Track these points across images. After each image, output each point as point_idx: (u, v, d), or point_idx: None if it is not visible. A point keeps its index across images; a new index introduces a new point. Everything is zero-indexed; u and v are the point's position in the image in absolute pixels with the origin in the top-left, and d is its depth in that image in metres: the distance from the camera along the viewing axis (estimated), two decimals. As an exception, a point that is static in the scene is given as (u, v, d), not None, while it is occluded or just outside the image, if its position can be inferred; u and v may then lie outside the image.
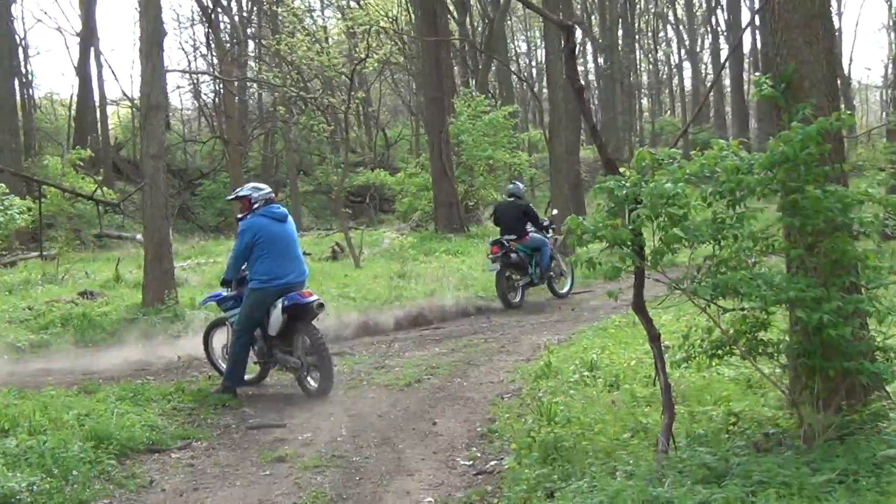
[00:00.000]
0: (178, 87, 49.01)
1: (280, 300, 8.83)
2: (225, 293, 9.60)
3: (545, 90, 37.85)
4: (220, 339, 9.99)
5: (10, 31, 34.27)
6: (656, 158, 5.36)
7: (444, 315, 14.25)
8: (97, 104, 40.54)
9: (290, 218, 9.33)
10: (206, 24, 35.42)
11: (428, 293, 15.66)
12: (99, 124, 39.91)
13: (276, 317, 8.88)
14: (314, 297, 9.02)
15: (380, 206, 40.44)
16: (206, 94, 47.41)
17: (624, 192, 5.22)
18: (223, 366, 9.71)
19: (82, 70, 39.13)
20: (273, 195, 9.34)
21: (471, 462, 6.62)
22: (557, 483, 5.34)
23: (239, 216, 9.36)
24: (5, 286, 17.99)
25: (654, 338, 5.60)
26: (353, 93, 26.57)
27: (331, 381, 8.87)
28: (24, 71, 41.32)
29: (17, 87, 35.70)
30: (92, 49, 38.98)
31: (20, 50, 40.40)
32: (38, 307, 14.62)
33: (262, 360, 9.39)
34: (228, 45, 35.54)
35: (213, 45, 37.99)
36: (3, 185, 20.67)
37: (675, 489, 4.61)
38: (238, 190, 9.55)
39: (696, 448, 5.33)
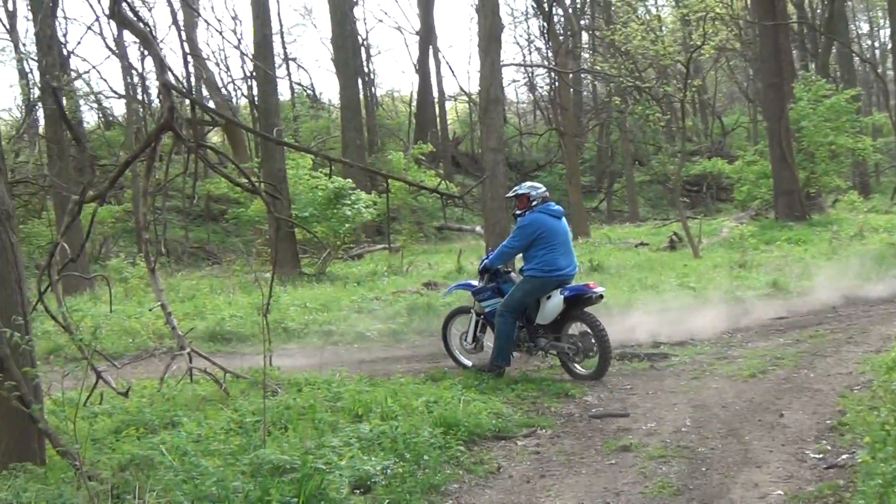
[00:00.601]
0: (514, 81, 51.24)
1: (558, 290, 10.03)
2: (477, 284, 10.87)
3: (889, 71, 35.85)
4: (460, 328, 11.15)
5: (354, 33, 37.81)
6: None
7: (788, 306, 14.46)
8: (436, 100, 43.26)
9: (564, 216, 10.56)
10: (542, 18, 36.87)
11: (770, 283, 16.00)
12: (438, 120, 42.56)
13: (554, 306, 10.07)
14: (601, 289, 10.25)
15: (717, 195, 40.78)
16: (541, 87, 49.50)
17: None
18: (459, 355, 11.08)
19: (422, 67, 42.12)
20: (548, 194, 10.57)
21: (821, 455, 6.73)
22: (917, 478, 5.35)
23: (517, 212, 10.52)
24: (354, 277, 20.19)
25: None
26: (688, 81, 26.89)
27: (607, 366, 9.99)
28: (366, 70, 45.20)
29: (360, 86, 39.16)
30: (430, 47, 41.83)
31: (363, 50, 44.31)
32: (384, 297, 16.38)
33: (519, 347, 10.52)
34: (563, 37, 36.70)
35: (547, 38, 39.35)
36: (350, 180, 23.12)
37: None
38: (517, 188, 10.70)
39: None
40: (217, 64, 48.80)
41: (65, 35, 31.06)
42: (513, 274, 10.80)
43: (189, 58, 23.68)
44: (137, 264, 21.86)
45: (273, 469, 6.07)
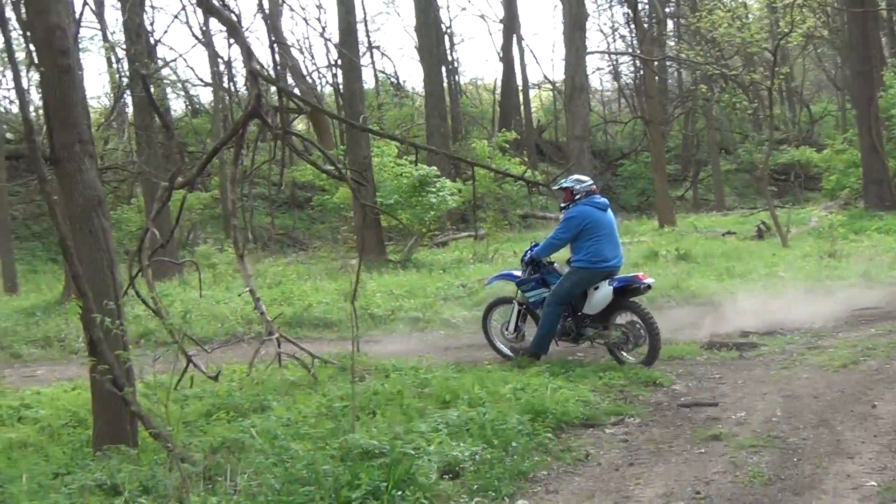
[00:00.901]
0: (598, 69, 51.00)
1: (606, 281, 10.20)
2: (519, 274, 11.01)
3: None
4: (500, 318, 11.23)
5: (438, 21, 37.91)
6: None
7: (878, 296, 14.09)
8: (520, 88, 43.26)
9: (610, 208, 10.73)
10: (627, 6, 36.64)
11: (860, 273, 15.71)
12: (522, 107, 42.56)
13: (603, 296, 10.23)
14: (650, 280, 10.44)
15: (805, 184, 39.98)
16: (625, 75, 49.17)
17: None
18: (500, 345, 11.15)
19: (506, 55, 42.15)
20: (594, 187, 10.73)
21: (914, 447, 6.55)
22: None
23: (562, 205, 10.76)
24: (439, 265, 20.28)
25: None
26: (776, 69, 26.42)
27: (657, 353, 10.08)
28: (450, 59, 45.31)
29: (444, 74, 39.32)
30: (514, 35, 41.82)
31: (446, 38, 44.43)
32: (470, 285, 16.46)
33: (566, 336, 10.69)
34: (648, 24, 36.42)
35: (633, 26, 39.07)
36: (435, 167, 23.19)
37: None
38: (562, 181, 10.94)
39: None
40: (301, 52, 49.39)
41: (152, 24, 31.69)
42: (556, 265, 10.94)
43: (275, 46, 23.87)
44: (225, 250, 22.21)
45: (362, 453, 6.14)
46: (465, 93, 50.66)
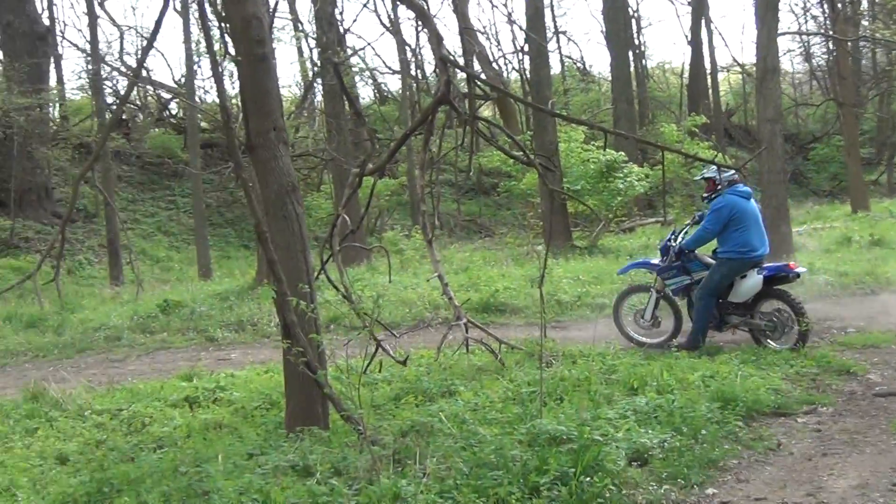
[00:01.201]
0: (789, 51, 49.43)
1: (754, 270, 10.33)
2: (657, 262, 11.14)
3: None
4: (633, 306, 11.39)
5: (625, 5, 37.52)
6: None
7: None
8: (708, 71, 42.39)
9: (753, 197, 10.80)
10: None
11: None
12: (710, 91, 41.66)
13: (752, 285, 10.34)
14: (802, 269, 10.79)
15: None
16: (817, 56, 47.31)
17: None
18: (632, 333, 11.25)
19: (694, 38, 41.24)
20: (737, 176, 10.78)
21: None
22: None
23: (704, 195, 11.04)
24: (626, 251, 20.14)
25: None
26: None
27: (806, 341, 10.06)
28: (637, 42, 44.74)
29: (631, 59, 38.88)
30: (703, 17, 40.92)
31: (633, 22, 43.86)
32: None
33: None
34: (841, 4, 34.96)
35: (825, 6, 37.63)
36: (622, 152, 22.97)
37: None
38: (704, 172, 11.20)
39: None
40: (488, 38, 49.42)
41: (341, 13, 32.46)
42: (698, 252, 11.02)
43: (462, 32, 24.07)
44: (413, 236, 22.55)
45: (550, 439, 6.17)
46: (651, 77, 49.90)
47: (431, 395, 8.29)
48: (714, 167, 10.93)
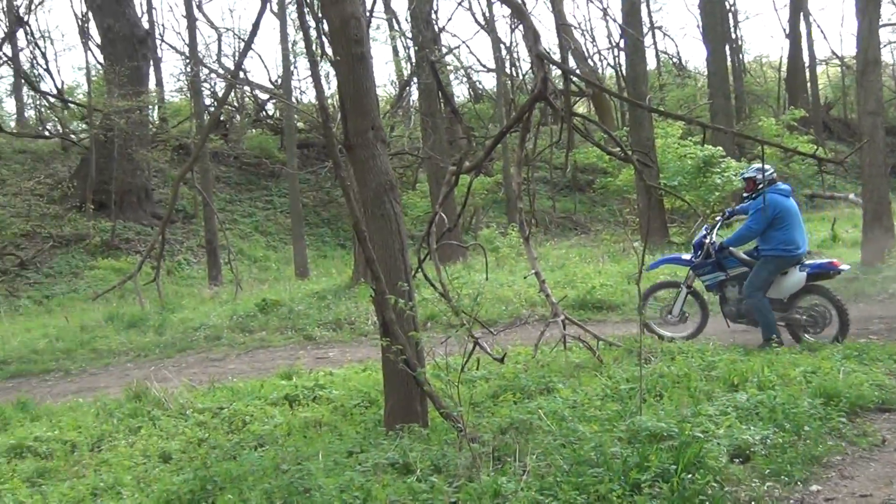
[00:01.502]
0: (890, 43, 48.24)
1: (796, 267, 10.58)
2: (688, 258, 11.60)
3: None
4: (660, 301, 11.76)
5: (721, -1, 37.14)
6: None
7: None
8: (807, 64, 41.72)
9: (792, 195, 11.04)
10: None
11: None
12: (809, 84, 41.02)
13: (795, 281, 10.60)
14: (846, 266, 11.01)
15: None
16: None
17: None
18: (657, 327, 11.52)
19: (792, 31, 40.69)
20: (776, 175, 11.07)
21: None
22: None
23: (744, 195, 11.17)
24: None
25: None
26: None
27: (846, 335, 10.33)
28: (734, 36, 44.17)
29: (727, 53, 38.41)
30: (801, 10, 40.30)
31: (730, 16, 43.32)
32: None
33: (740, 318, 11.00)
34: None
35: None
36: (720, 147, 22.72)
37: None
38: (744, 171, 11.44)
39: None
40: (583, 34, 49.22)
41: (436, 12, 32.50)
42: (733, 249, 11.14)
43: (559, 28, 24.07)
44: (508, 234, 22.55)
45: (650, 436, 6.14)
46: (748, 71, 49.25)
47: (530, 393, 8.31)
48: (755, 167, 11.16)
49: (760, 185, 10.76)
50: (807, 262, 10.76)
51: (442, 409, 6.87)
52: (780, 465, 5.95)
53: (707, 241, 11.23)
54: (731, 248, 11.05)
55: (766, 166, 11.08)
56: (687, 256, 11.84)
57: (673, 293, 11.82)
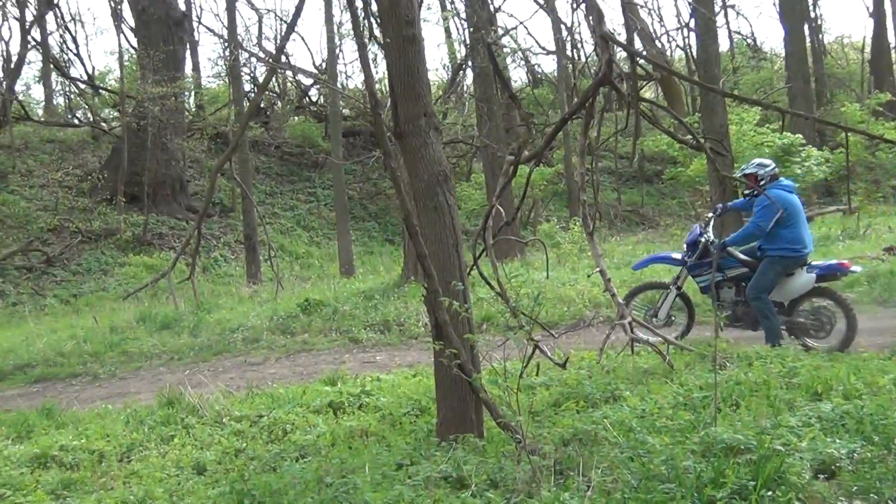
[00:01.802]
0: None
1: (803, 268, 10.63)
2: (678, 257, 11.63)
3: None
4: (643, 304, 11.78)
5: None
6: None
7: None
8: (892, 45, 41.23)
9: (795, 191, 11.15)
10: None
11: None
12: (894, 66, 40.52)
13: (803, 283, 10.64)
14: (857, 268, 11.28)
15: None
16: None
17: None
18: (638, 332, 10.85)
19: (876, 10, 40.13)
20: (777, 171, 11.07)
21: None
22: None
23: (746, 192, 11.36)
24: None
25: None
26: None
27: (853, 338, 10.38)
28: (813, 16, 43.78)
29: (806, 33, 38.08)
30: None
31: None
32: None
33: (737, 322, 11.11)
34: None
35: None
36: (800, 135, 22.48)
37: None
38: (744, 167, 11.29)
39: None
40: (650, 13, 49.08)
41: (492, -10, 32.47)
42: (731, 249, 11.14)
43: (624, 7, 23.92)
44: (570, 228, 22.46)
45: (726, 449, 6.05)
46: (829, 53, 48.76)
47: (594, 401, 8.26)
48: (755, 161, 11.19)
49: (762, 182, 10.76)
50: (813, 262, 10.83)
51: (499, 418, 6.83)
52: (869, 481, 5.78)
53: (703, 238, 11.30)
54: (728, 248, 11.04)
55: (767, 161, 11.21)
56: (677, 255, 11.97)
57: (659, 294, 11.89)
